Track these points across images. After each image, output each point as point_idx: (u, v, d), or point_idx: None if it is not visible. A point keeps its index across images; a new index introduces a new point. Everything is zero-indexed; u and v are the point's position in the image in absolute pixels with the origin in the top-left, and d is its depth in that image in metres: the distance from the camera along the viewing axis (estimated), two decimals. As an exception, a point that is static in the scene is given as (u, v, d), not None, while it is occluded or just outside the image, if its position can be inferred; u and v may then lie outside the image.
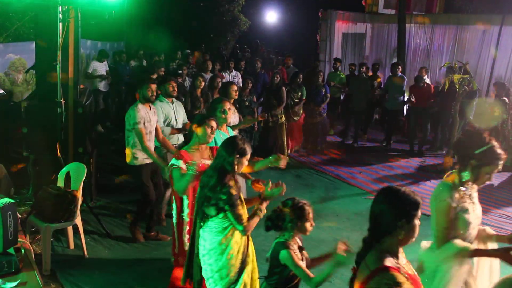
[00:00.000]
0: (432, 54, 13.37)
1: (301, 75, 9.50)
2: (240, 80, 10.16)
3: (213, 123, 4.14)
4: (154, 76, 8.48)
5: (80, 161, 5.62)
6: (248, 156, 3.46)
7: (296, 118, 9.46)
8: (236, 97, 6.58)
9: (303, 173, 8.63)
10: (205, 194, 3.35)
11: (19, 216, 4.01)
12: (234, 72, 10.81)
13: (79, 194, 5.02)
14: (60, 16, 5.54)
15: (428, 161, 9.57)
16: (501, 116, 8.77)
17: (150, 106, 5.49)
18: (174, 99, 6.11)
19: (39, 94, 5.99)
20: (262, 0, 18.52)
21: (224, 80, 9.50)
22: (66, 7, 5.58)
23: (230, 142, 3.47)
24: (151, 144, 5.45)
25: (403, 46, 12.69)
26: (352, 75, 11.40)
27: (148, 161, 5.43)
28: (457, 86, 8.51)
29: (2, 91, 8.33)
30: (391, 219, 2.30)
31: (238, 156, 3.36)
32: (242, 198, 3.44)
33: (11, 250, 3.31)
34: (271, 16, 19.80)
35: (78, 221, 5.01)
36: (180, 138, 6.21)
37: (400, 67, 10.51)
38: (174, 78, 6.46)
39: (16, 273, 3.17)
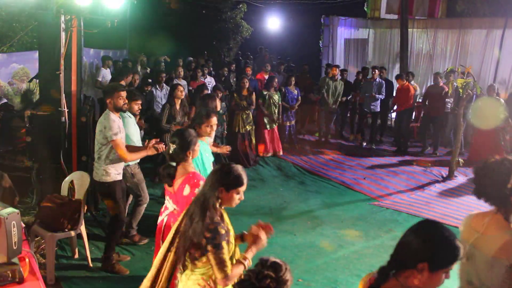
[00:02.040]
0: (435, 59, 13.36)
1: (276, 80, 9.61)
2: (213, 86, 10.13)
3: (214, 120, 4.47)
4: (124, 82, 7.78)
5: (83, 170, 5.62)
6: (242, 188, 2.87)
7: (274, 125, 9.60)
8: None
9: (307, 179, 8.61)
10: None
11: (23, 225, 4.00)
12: (208, 78, 10.84)
13: (83, 203, 5.01)
14: (63, 25, 5.56)
15: (432, 168, 9.52)
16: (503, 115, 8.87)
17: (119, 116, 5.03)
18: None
19: (43, 103, 6.00)
20: (264, 7, 18.57)
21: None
22: (69, 17, 5.60)
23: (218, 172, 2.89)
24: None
25: (405, 51, 12.69)
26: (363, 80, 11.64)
27: (119, 177, 5.00)
28: (460, 91, 8.49)
29: (5, 100, 8.36)
30: (413, 255, 1.93)
31: (224, 188, 2.82)
32: (232, 239, 2.88)
33: (15, 260, 3.30)
34: (274, 23, 19.86)
35: (82, 229, 5.00)
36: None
37: (376, 70, 10.90)
38: (142, 97, 6.08)
39: (20, 282, 3.16)
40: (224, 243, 2.72)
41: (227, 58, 17.18)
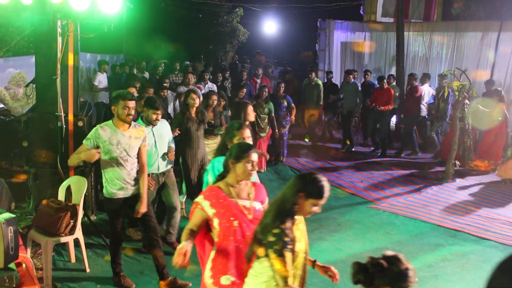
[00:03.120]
0: (431, 61, 13.41)
1: (266, 89, 9.02)
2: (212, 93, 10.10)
3: (254, 157, 3.24)
4: (133, 90, 7.24)
5: (80, 175, 5.61)
6: (321, 201, 2.81)
7: (262, 135, 8.82)
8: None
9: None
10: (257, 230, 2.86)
11: (20, 230, 4.00)
12: (209, 84, 10.44)
13: (80, 208, 5.00)
14: (59, 30, 5.56)
15: (430, 169, 9.54)
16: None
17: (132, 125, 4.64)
18: None
19: (39, 108, 5.99)
20: (261, 11, 18.60)
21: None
22: (65, 21, 5.60)
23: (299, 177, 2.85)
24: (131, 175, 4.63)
25: (402, 54, 12.72)
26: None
27: (117, 195, 4.63)
28: (456, 93, 8.52)
29: (2, 106, 8.35)
30: None
31: (304, 194, 2.75)
32: (298, 249, 2.85)
33: (12, 265, 3.29)
34: (270, 27, 19.89)
35: (79, 234, 4.99)
36: (161, 166, 5.58)
37: (355, 73, 11.23)
38: (160, 107, 5.48)
39: (17, 288, 3.15)
40: (286, 252, 2.67)
41: (224, 62, 17.19)
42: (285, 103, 9.49)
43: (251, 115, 5.83)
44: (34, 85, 6.36)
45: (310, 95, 10.75)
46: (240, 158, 3.16)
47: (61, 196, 5.24)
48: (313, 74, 10.94)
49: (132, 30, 14.45)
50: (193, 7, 16.75)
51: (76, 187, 5.25)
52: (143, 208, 4.60)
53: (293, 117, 9.65)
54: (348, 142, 11.19)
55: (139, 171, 4.67)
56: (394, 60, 13.39)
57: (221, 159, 3.54)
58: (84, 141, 4.55)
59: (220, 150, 3.99)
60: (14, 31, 9.28)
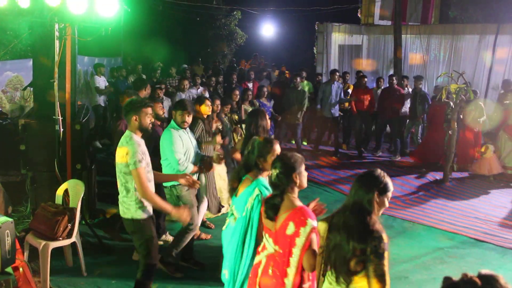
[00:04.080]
0: (428, 64, 13.44)
1: (249, 93, 8.84)
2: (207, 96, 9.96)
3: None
4: (144, 94, 7.00)
5: (78, 178, 5.60)
6: (390, 194, 2.82)
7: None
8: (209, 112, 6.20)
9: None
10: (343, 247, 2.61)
11: (17, 234, 3.99)
12: (201, 88, 10.31)
13: (78, 211, 4.99)
14: (57, 33, 5.56)
15: (428, 174, 9.55)
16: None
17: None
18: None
19: (37, 112, 5.99)
20: (259, 14, 18.64)
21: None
22: (63, 25, 5.60)
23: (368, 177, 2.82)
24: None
25: (399, 56, 12.76)
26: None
27: (151, 210, 4.18)
28: (454, 96, 8.54)
29: (-1, 109, 8.34)
30: None
31: (378, 192, 2.74)
32: None
33: (9, 269, 3.28)
34: (268, 30, 19.94)
35: (76, 238, 4.98)
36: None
37: (336, 74, 10.79)
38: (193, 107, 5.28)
39: (14, 292, 3.14)
40: (386, 253, 2.56)
41: (222, 65, 17.21)
42: (270, 107, 9.35)
43: (268, 123, 5.15)
44: (32, 89, 6.35)
45: (292, 100, 10.16)
46: (296, 169, 3.12)
47: (58, 199, 5.23)
48: (298, 79, 10.39)
49: (130, 33, 14.47)
50: (191, 10, 16.79)
51: (73, 190, 5.24)
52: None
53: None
54: (344, 147, 11.26)
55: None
56: (392, 63, 13.43)
57: (263, 181, 3.45)
58: (136, 165, 3.91)
59: (246, 170, 3.60)
60: (12, 34, 9.27)
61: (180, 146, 4.99)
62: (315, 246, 2.89)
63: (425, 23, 14.58)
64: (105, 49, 12.54)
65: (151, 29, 16.13)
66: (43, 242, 4.68)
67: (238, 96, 8.49)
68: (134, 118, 3.99)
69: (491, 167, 8.93)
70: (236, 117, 8.12)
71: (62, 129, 5.73)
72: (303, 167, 3.16)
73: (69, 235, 4.86)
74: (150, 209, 4.09)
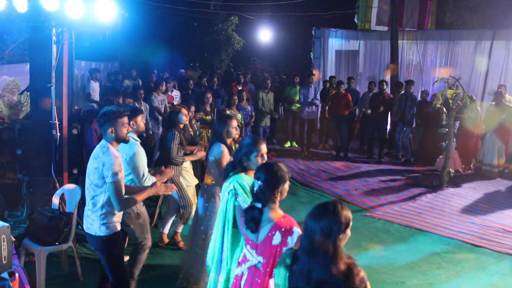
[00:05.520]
0: (424, 70, 13.49)
1: (235, 97, 8.68)
2: (179, 100, 10.03)
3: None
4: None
5: (75, 183, 5.59)
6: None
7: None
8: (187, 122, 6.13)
9: (299, 191, 8.60)
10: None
11: (13, 239, 3.97)
12: (175, 92, 10.38)
13: (74, 216, 4.97)
14: (54, 37, 5.56)
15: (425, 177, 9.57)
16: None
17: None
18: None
19: (34, 116, 5.98)
20: (256, 19, 18.68)
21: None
22: (60, 29, 5.60)
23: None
24: None
25: (396, 62, 12.79)
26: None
27: (119, 226, 3.97)
28: (450, 101, 8.57)
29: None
30: None
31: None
32: None
33: (5, 275, 3.26)
34: (265, 35, 19.97)
35: (73, 243, 4.96)
36: None
37: (314, 75, 11.11)
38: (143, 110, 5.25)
39: (9, 298, 3.12)
40: None
41: (219, 70, 17.23)
42: (250, 111, 9.27)
43: (234, 132, 4.87)
44: (29, 93, 6.34)
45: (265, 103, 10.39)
46: (285, 180, 3.09)
47: (55, 204, 5.22)
48: (268, 81, 10.67)
49: (128, 38, 14.50)
50: (188, 15, 16.83)
51: (70, 195, 5.22)
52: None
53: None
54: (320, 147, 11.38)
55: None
56: (389, 68, 13.47)
57: (240, 177, 3.47)
58: (113, 177, 3.71)
59: (232, 166, 3.66)
60: (9, 38, 9.28)
61: (145, 160, 4.77)
62: None
63: (421, 28, 14.63)
64: (103, 54, 12.56)
65: (149, 33, 16.16)
66: (39, 247, 4.67)
67: (210, 98, 8.36)
68: (110, 130, 3.78)
69: (455, 163, 9.37)
70: (209, 117, 8.11)
71: (58, 134, 5.72)
72: (287, 183, 3.10)
73: (66, 240, 4.84)
74: (116, 225, 3.89)
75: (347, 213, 2.42)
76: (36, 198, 5.82)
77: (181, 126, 5.98)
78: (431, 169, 9.89)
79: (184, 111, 5.93)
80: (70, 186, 5.36)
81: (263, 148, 3.61)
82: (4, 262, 3.21)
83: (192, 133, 6.99)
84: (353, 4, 15.92)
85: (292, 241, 2.84)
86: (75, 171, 5.95)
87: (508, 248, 6.23)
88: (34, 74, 5.87)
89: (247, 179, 3.49)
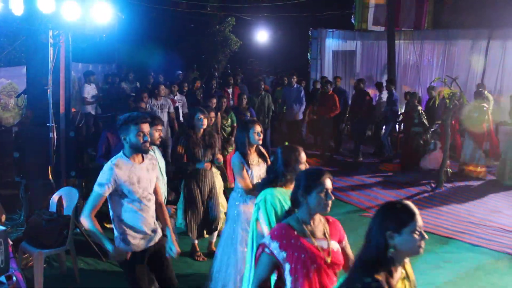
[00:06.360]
0: (422, 69, 13.51)
1: (224, 100, 8.18)
2: (186, 105, 9.94)
3: (328, 183, 2.70)
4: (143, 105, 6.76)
5: (72, 185, 5.58)
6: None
7: (230, 149, 7.92)
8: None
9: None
10: None
11: (11, 242, 3.96)
12: (178, 96, 10.09)
13: (72, 219, 4.96)
14: (50, 40, 5.56)
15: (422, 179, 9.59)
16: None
17: (142, 157, 3.62)
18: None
19: (31, 119, 5.97)
20: (253, 20, 18.69)
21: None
22: (57, 32, 5.60)
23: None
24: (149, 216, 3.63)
25: (393, 62, 12.83)
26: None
27: (140, 246, 3.60)
28: (447, 101, 8.59)
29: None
30: None
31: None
32: None
33: (2, 278, 3.26)
34: (262, 36, 19.98)
35: (70, 246, 4.95)
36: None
37: (294, 76, 10.77)
38: (161, 120, 4.88)
39: (7, 301, 3.11)
40: None
41: (216, 72, 17.22)
42: (248, 115, 8.67)
43: (257, 138, 4.57)
44: (26, 96, 6.34)
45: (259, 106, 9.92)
46: (312, 188, 2.65)
47: (52, 207, 5.21)
48: (262, 84, 10.25)
49: (124, 40, 14.47)
50: (185, 17, 16.83)
51: (67, 198, 5.21)
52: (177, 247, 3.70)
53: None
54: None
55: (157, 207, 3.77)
56: (386, 68, 13.50)
57: (272, 191, 3.20)
58: (95, 187, 3.44)
59: (269, 180, 3.41)
60: (5, 41, 9.26)
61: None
62: (258, 269, 2.63)
63: (418, 28, 14.67)
64: (100, 56, 12.54)
65: (145, 35, 16.14)
66: (37, 250, 4.66)
67: (215, 104, 7.91)
68: (123, 137, 3.49)
69: (439, 162, 9.29)
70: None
71: (56, 136, 5.71)
72: (321, 187, 2.66)
73: (63, 243, 4.83)
74: (136, 242, 3.54)
75: None
76: (33, 201, 5.81)
77: (199, 132, 5.53)
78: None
79: (200, 115, 5.48)
80: (68, 188, 5.35)
81: (303, 156, 3.40)
82: (1, 266, 3.21)
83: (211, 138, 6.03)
84: (350, 5, 15.94)
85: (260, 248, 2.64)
86: (72, 174, 5.94)
87: (506, 247, 6.23)
88: (31, 77, 5.87)
89: (282, 193, 3.25)
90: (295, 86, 10.68)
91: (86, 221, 3.38)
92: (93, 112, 10.86)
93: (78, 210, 5.48)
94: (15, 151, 5.86)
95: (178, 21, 17.34)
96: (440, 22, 15.17)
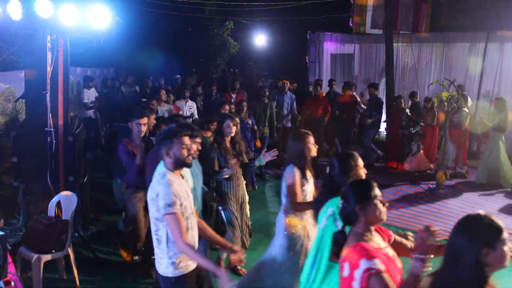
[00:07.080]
0: (420, 72, 13.54)
1: (226, 106, 7.81)
2: (195, 111, 9.72)
3: (378, 190, 2.67)
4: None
5: (71, 190, 5.56)
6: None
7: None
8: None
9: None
10: None
11: (9, 247, 3.95)
12: (190, 102, 9.79)
13: (71, 224, 4.95)
14: (49, 44, 5.55)
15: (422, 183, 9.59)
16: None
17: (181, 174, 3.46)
18: None
19: (29, 123, 5.96)
20: (251, 24, 18.72)
21: (180, 112, 8.85)
22: (55, 36, 5.60)
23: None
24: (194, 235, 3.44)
25: (391, 65, 12.83)
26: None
27: (192, 266, 3.38)
28: (445, 104, 8.60)
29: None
30: None
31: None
32: None
33: (0, 283, 3.24)
34: (260, 39, 20.00)
35: (69, 251, 4.94)
36: None
37: (287, 82, 10.56)
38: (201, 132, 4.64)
39: (6, 307, 3.10)
40: None
41: (214, 75, 17.24)
42: (250, 125, 8.45)
43: (314, 149, 4.27)
44: (24, 100, 6.33)
45: (259, 112, 9.42)
46: (367, 199, 2.60)
47: (51, 211, 5.19)
48: (266, 90, 9.73)
49: (123, 44, 14.49)
50: (183, 20, 16.84)
51: (66, 202, 5.20)
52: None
53: (258, 141, 8.57)
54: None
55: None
56: (384, 71, 13.52)
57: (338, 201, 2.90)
58: (166, 209, 3.18)
59: (331, 190, 3.30)
60: (4, 45, 9.25)
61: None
62: None
63: (416, 31, 14.71)
64: (98, 60, 12.53)
65: (144, 39, 16.17)
66: (36, 255, 4.64)
67: (227, 110, 7.54)
68: (165, 152, 3.31)
69: (420, 164, 9.48)
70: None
71: (54, 141, 5.70)
72: (374, 194, 2.63)
73: (62, 248, 4.82)
74: (188, 265, 3.33)
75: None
76: (32, 206, 5.79)
77: (227, 139, 5.37)
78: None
79: (229, 122, 5.31)
80: (67, 193, 5.34)
81: (361, 162, 3.32)
82: None
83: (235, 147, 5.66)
84: (348, 8, 15.97)
85: (358, 275, 2.42)
86: (71, 178, 5.93)
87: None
88: (29, 81, 5.86)
89: None
90: (287, 93, 10.27)
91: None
92: (93, 116, 10.86)
93: (76, 214, 5.49)
94: (14, 156, 5.84)
95: (176, 25, 17.37)
96: (438, 25, 15.21)
